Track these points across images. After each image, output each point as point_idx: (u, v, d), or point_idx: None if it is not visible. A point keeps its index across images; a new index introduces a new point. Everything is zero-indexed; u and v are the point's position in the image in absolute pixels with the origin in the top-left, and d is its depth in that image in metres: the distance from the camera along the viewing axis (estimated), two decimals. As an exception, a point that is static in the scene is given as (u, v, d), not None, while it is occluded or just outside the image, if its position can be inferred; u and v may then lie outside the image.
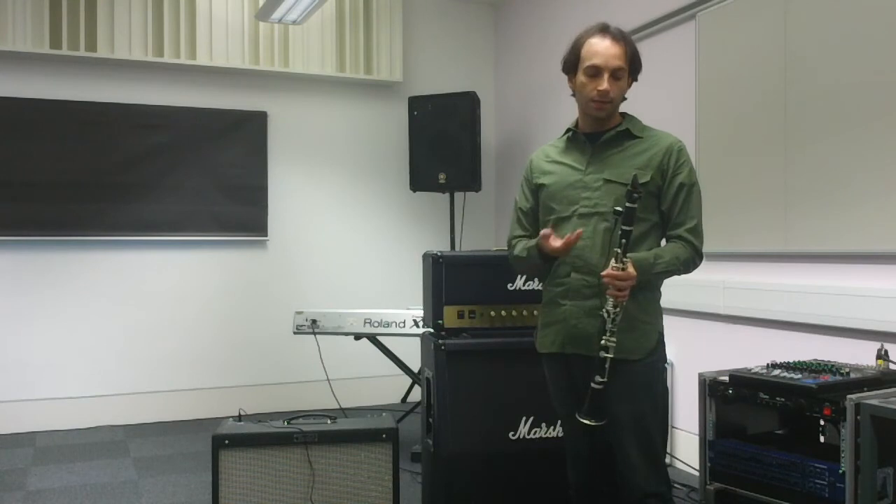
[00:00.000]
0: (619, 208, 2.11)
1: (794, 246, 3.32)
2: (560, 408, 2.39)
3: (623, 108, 2.33)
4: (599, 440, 2.28)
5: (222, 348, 5.26)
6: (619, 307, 2.10)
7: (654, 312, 2.26)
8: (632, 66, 2.24)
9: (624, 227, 2.08)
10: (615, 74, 2.19)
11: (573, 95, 2.31)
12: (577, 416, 2.18)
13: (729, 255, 3.61)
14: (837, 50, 3.13)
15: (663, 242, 2.29)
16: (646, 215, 2.21)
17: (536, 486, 2.94)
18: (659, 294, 2.30)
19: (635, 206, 2.08)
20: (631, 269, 2.09)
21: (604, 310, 2.12)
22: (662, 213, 2.26)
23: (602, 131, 2.28)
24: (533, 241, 2.31)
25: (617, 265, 2.08)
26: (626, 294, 2.10)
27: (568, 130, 2.36)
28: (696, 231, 2.23)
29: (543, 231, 2.22)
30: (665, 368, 2.31)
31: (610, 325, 2.10)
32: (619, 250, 2.08)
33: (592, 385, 2.13)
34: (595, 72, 2.19)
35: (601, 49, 2.19)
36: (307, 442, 2.91)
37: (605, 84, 2.18)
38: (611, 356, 2.11)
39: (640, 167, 2.21)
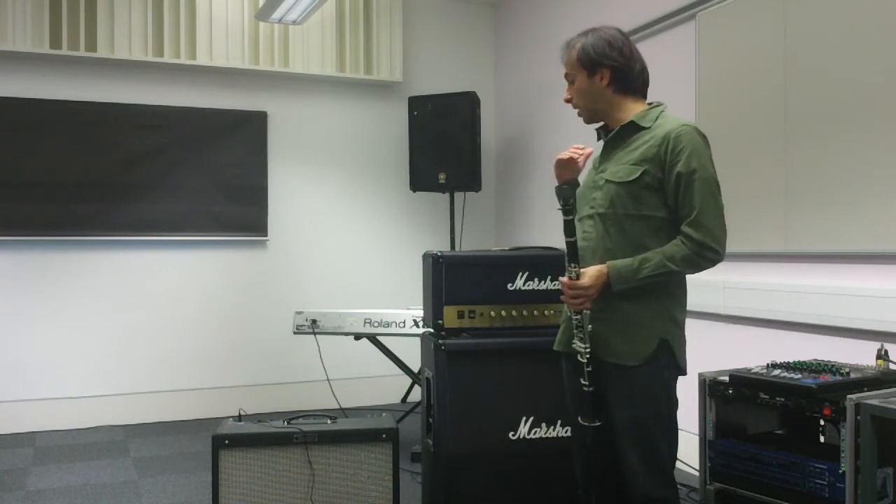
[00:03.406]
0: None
1: (794, 246, 3.32)
2: (568, 405, 2.38)
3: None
4: (606, 441, 2.24)
5: (222, 348, 5.26)
6: (580, 314, 2.13)
7: (654, 317, 2.15)
8: (582, 64, 2.23)
9: (566, 239, 2.17)
10: (569, 80, 2.30)
11: None
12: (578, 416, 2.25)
13: (729, 255, 3.52)
14: (837, 50, 3.13)
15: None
16: (649, 212, 2.13)
17: (536, 487, 2.94)
18: (667, 297, 2.18)
19: (569, 217, 2.17)
20: (585, 281, 2.12)
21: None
22: (671, 208, 2.13)
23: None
24: None
25: (570, 272, 2.14)
26: (580, 303, 2.12)
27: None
28: (698, 223, 2.06)
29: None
30: (673, 376, 2.19)
31: (575, 331, 2.15)
32: (567, 259, 2.16)
33: (583, 388, 2.18)
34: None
35: None
36: (307, 442, 2.91)
37: (566, 94, 2.31)
38: (584, 360, 2.15)
39: (634, 163, 2.14)
